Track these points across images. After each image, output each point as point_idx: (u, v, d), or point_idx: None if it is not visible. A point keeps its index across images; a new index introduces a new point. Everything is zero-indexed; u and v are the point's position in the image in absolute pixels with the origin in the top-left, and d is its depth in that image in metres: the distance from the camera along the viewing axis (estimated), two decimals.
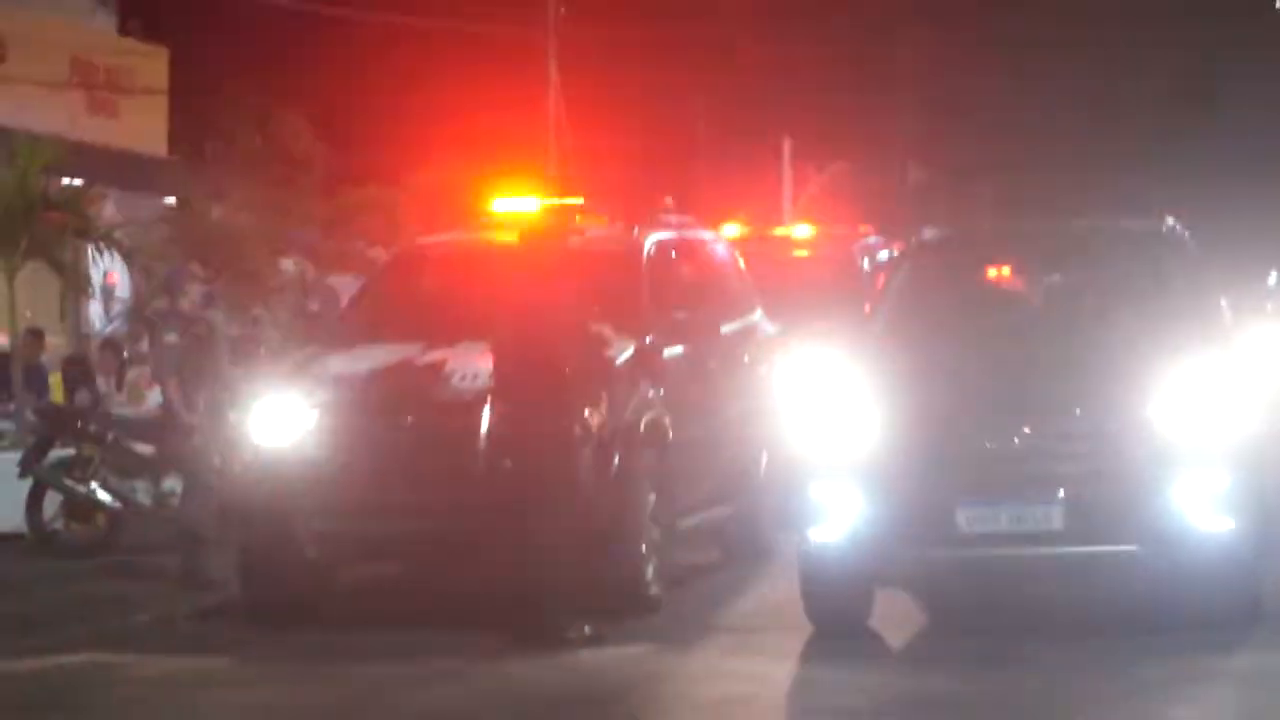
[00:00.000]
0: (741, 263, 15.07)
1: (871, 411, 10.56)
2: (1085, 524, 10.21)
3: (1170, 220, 12.14)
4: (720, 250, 14.92)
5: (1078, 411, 10.47)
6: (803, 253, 18.87)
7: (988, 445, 10.36)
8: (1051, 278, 12.33)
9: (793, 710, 9.41)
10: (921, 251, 12.50)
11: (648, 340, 12.44)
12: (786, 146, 39.64)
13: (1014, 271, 13.18)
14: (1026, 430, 10.38)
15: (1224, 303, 11.66)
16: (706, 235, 14.94)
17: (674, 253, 13.71)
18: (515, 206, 13.24)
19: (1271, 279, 36.15)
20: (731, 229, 18.03)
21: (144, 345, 18.55)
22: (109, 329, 20.59)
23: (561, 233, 11.95)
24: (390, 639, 11.36)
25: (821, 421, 10.76)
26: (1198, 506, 10.23)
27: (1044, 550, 10.32)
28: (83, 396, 17.74)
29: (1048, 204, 49.49)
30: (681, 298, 13.28)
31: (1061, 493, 10.23)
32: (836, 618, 10.81)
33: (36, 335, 18.99)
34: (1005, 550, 10.33)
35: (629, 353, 12.18)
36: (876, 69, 41.35)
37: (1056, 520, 10.24)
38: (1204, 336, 10.95)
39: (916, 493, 10.31)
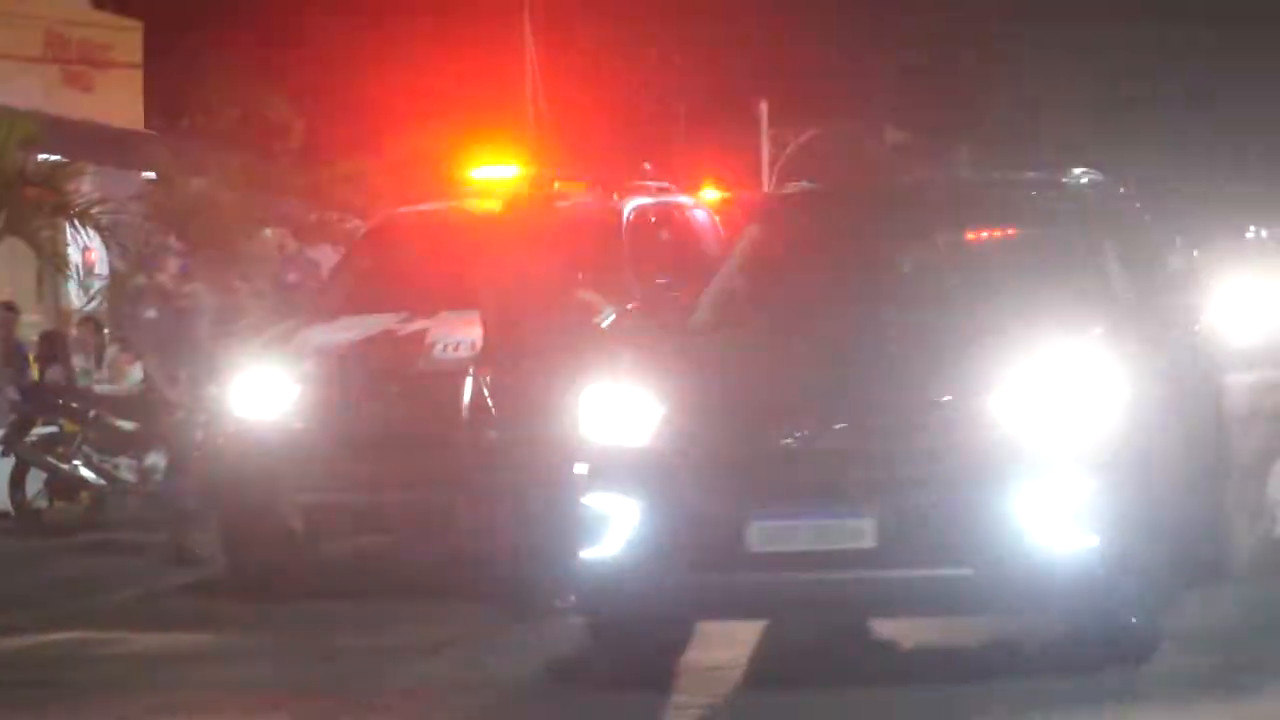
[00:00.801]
0: (721, 228, 15.03)
1: (657, 408, 8.60)
2: (905, 542, 8.14)
3: (1079, 172, 10.38)
4: (700, 215, 14.88)
5: (901, 405, 8.37)
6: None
7: (787, 445, 8.32)
8: (920, 244, 10.33)
9: (778, 673, 9.36)
10: (773, 215, 10.92)
11: (629, 307, 12.37)
12: (764, 110, 39.55)
13: (882, 237, 10.35)
14: (837, 428, 8.35)
15: (1136, 274, 9.73)
16: (685, 200, 14.90)
17: (654, 218, 13.67)
18: (494, 174, 13.23)
19: (1249, 232, 36.21)
20: (710, 193, 17.97)
21: (123, 321, 18.45)
22: (88, 306, 20.47)
23: (547, 199, 11.88)
24: (377, 611, 11.31)
25: (600, 421, 8.84)
26: (1048, 521, 8.11)
27: (852, 574, 8.21)
28: (54, 373, 17.64)
29: (1023, 166, 49.57)
30: (662, 263, 13.24)
31: (876, 504, 8.17)
32: (627, 651, 8.96)
33: (9, 309, 18.90)
34: (803, 575, 8.22)
35: (610, 319, 12.13)
36: (855, 30, 41.27)
37: (869, 537, 8.20)
38: (1085, 316, 8.90)
39: (701, 504, 8.32)
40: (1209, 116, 50.74)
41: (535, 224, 11.44)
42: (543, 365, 10.86)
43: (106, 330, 19.29)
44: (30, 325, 19.78)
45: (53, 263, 18.22)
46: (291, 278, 19.61)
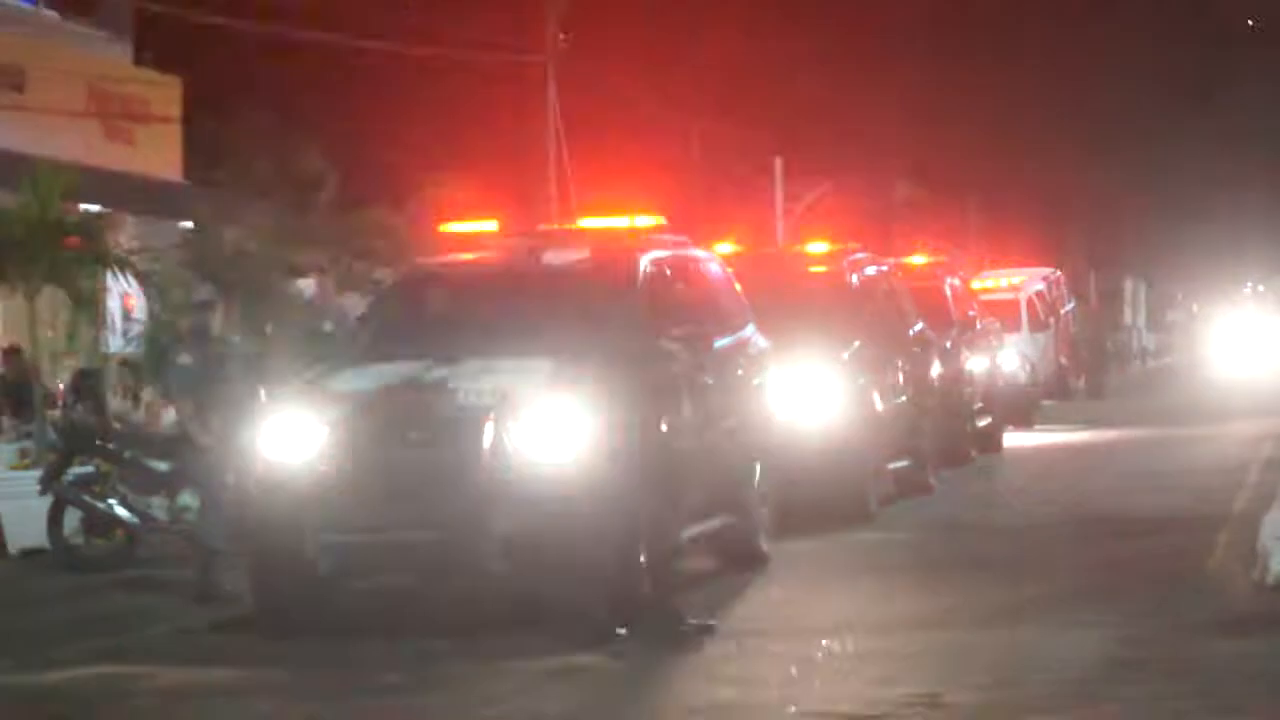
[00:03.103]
0: (735, 281, 15.08)
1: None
2: None
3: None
4: (714, 267, 14.91)
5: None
6: (793, 269, 18.91)
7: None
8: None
9: (785, 715, 9.35)
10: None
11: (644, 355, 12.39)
12: (778, 166, 39.61)
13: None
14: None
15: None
16: (700, 253, 14.93)
17: (669, 270, 13.69)
18: (470, 229, 13.46)
19: (1246, 287, 36.20)
20: (725, 248, 18.06)
21: (159, 365, 18.50)
22: (125, 350, 20.53)
23: (631, 250, 11.96)
24: (400, 649, 11.31)
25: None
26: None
27: None
28: (82, 411, 17.66)
29: (1033, 220, 49.49)
30: (677, 315, 13.26)
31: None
32: None
33: (16, 352, 18.94)
34: None
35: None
36: (869, 87, 41.34)
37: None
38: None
39: None
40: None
41: (621, 273, 11.53)
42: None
43: (142, 374, 19.35)
44: (67, 369, 19.85)
45: (90, 311, 18.28)
46: (328, 326, 19.66)
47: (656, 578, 11.72)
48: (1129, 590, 12.33)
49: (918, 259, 24.58)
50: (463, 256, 13.90)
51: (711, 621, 11.27)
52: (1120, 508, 17.10)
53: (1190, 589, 12.27)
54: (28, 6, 25.65)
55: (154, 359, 18.65)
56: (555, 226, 16.91)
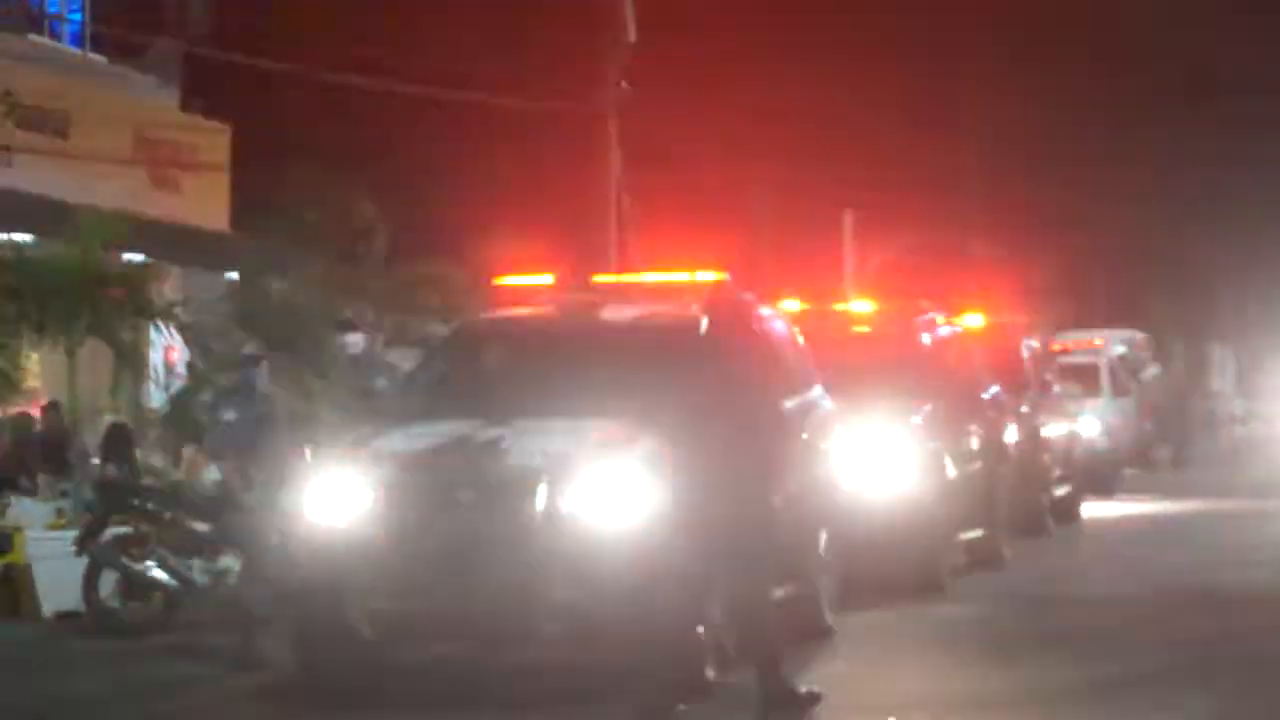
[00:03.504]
0: (800, 338, 15.02)
1: None
2: None
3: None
4: (779, 325, 14.85)
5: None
6: (862, 328, 18.81)
7: None
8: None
9: None
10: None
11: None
12: (848, 221, 39.56)
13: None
14: None
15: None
16: (765, 310, 14.88)
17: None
18: (525, 283, 13.42)
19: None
20: (791, 304, 17.99)
21: (202, 421, 18.56)
22: (165, 406, 20.59)
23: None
24: None
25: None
26: None
27: None
28: (109, 468, 17.72)
29: (1116, 280, 49.25)
30: (740, 372, 13.17)
31: None
32: None
33: (54, 407, 19.04)
34: None
35: None
36: (944, 141, 41.31)
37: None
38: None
39: None
40: None
41: (686, 330, 11.49)
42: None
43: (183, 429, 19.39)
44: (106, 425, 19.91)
45: (132, 364, 18.34)
46: (380, 382, 19.66)
47: (745, 643, 11.48)
48: (1217, 671, 12.19)
49: (993, 319, 24.44)
50: (517, 311, 13.90)
51: (818, 690, 11.11)
52: (1206, 583, 16.92)
53: None
54: (74, 50, 25.89)
55: (188, 415, 18.68)
56: (613, 279, 16.89)
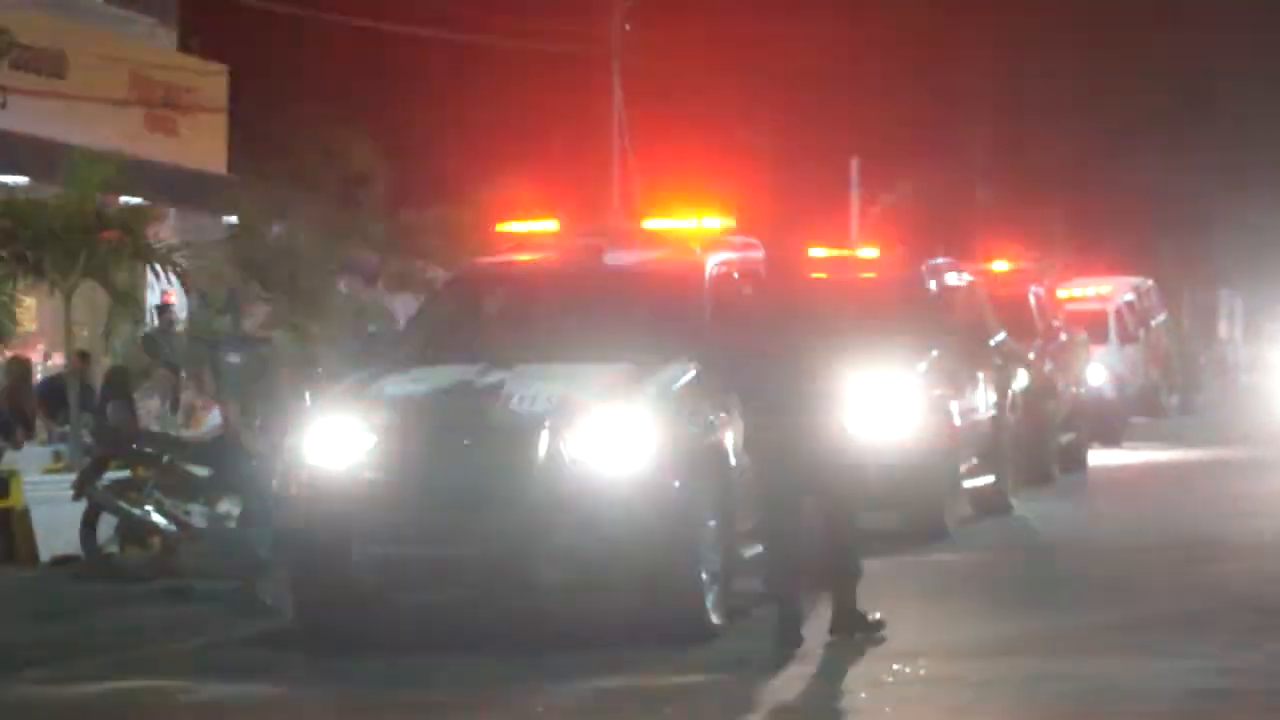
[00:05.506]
0: None
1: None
2: None
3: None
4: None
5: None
6: (869, 274, 18.84)
7: None
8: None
9: None
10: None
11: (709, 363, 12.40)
12: (854, 167, 39.54)
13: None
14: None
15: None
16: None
17: (737, 274, 13.69)
18: (529, 229, 13.46)
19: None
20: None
21: (203, 366, 18.63)
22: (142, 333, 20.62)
23: (698, 252, 12.53)
24: (447, 666, 11.35)
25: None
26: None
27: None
28: (116, 409, 17.76)
29: (1124, 226, 49.21)
30: (744, 318, 13.21)
31: None
32: None
33: (84, 357, 19.09)
34: None
35: (691, 374, 12.18)
36: (949, 86, 41.25)
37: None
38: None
39: None
40: None
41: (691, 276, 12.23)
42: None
43: (183, 374, 19.46)
44: (104, 370, 19.99)
45: (127, 307, 18.37)
46: (372, 328, 19.74)
47: (831, 565, 11.73)
48: (1221, 618, 12.27)
49: (1000, 265, 24.47)
50: (520, 256, 13.93)
51: (883, 619, 11.62)
52: (1211, 532, 17.01)
53: None
54: None
55: (195, 359, 18.74)
56: (618, 225, 16.93)
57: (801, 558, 11.64)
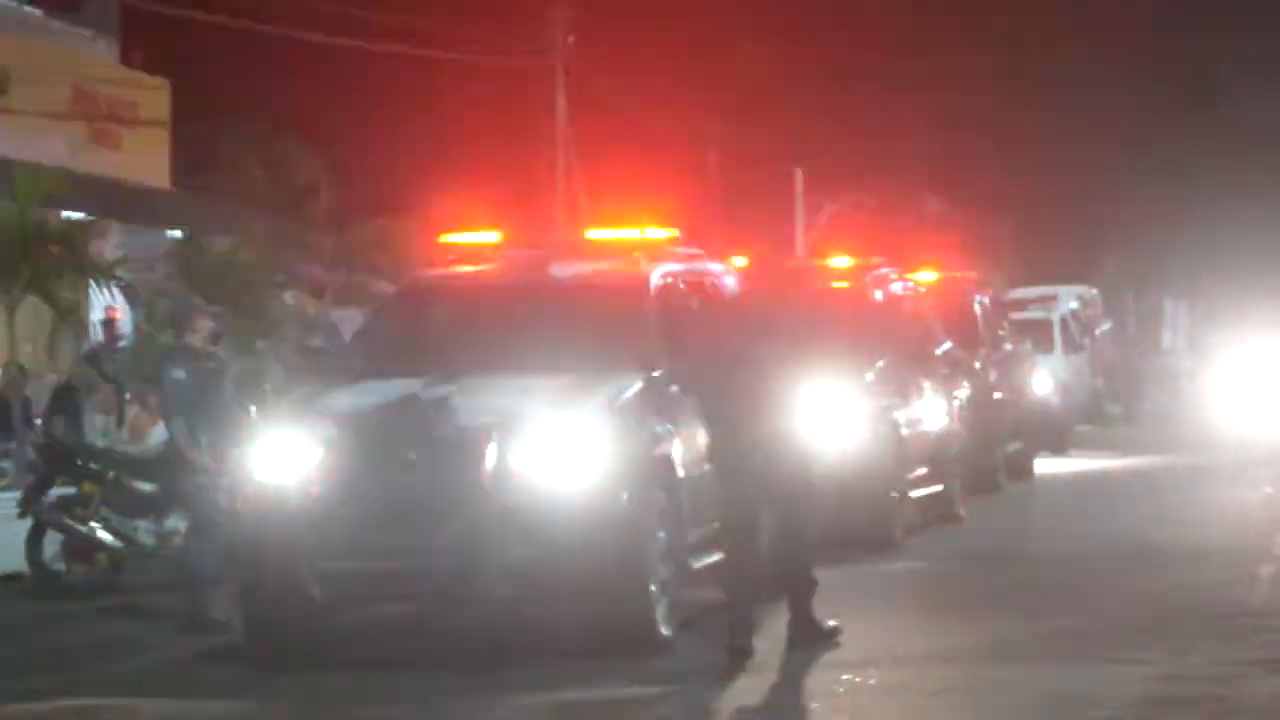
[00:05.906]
0: None
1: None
2: None
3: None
4: (730, 283, 14.90)
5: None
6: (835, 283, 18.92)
7: None
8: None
9: None
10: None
11: (655, 374, 12.43)
12: (799, 178, 39.62)
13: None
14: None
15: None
16: (715, 267, 14.94)
17: (683, 284, 13.71)
18: (472, 240, 13.48)
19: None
20: (741, 261, 18.02)
21: (147, 381, 18.55)
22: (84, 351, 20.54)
23: (643, 263, 12.61)
24: (397, 681, 11.32)
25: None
26: None
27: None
28: (57, 425, 17.67)
29: (1063, 241, 49.44)
30: (690, 329, 13.24)
31: None
32: None
33: (22, 370, 18.99)
34: None
35: (639, 386, 12.19)
36: (893, 97, 41.39)
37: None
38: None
39: None
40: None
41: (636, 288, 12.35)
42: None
43: (127, 392, 19.37)
44: (47, 387, 19.88)
45: (69, 322, 18.29)
46: (317, 341, 19.69)
47: (784, 577, 11.86)
48: (1169, 625, 12.33)
49: (945, 275, 24.54)
50: (464, 269, 13.92)
51: (839, 626, 11.78)
52: (1157, 539, 17.09)
53: (1233, 625, 12.26)
54: (9, 4, 25.75)
55: (140, 374, 18.66)
56: (562, 236, 16.93)
57: (758, 567, 11.69)
